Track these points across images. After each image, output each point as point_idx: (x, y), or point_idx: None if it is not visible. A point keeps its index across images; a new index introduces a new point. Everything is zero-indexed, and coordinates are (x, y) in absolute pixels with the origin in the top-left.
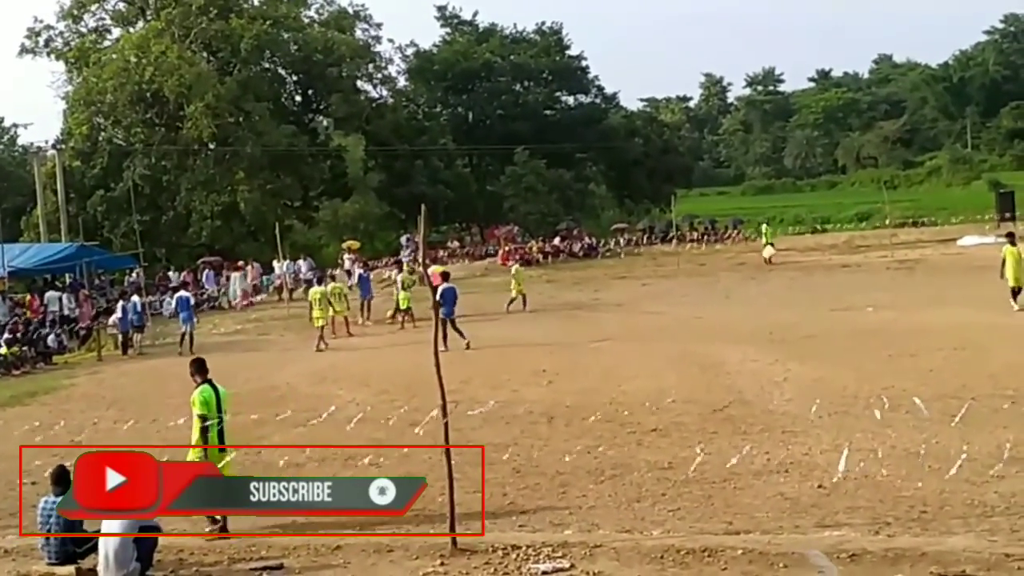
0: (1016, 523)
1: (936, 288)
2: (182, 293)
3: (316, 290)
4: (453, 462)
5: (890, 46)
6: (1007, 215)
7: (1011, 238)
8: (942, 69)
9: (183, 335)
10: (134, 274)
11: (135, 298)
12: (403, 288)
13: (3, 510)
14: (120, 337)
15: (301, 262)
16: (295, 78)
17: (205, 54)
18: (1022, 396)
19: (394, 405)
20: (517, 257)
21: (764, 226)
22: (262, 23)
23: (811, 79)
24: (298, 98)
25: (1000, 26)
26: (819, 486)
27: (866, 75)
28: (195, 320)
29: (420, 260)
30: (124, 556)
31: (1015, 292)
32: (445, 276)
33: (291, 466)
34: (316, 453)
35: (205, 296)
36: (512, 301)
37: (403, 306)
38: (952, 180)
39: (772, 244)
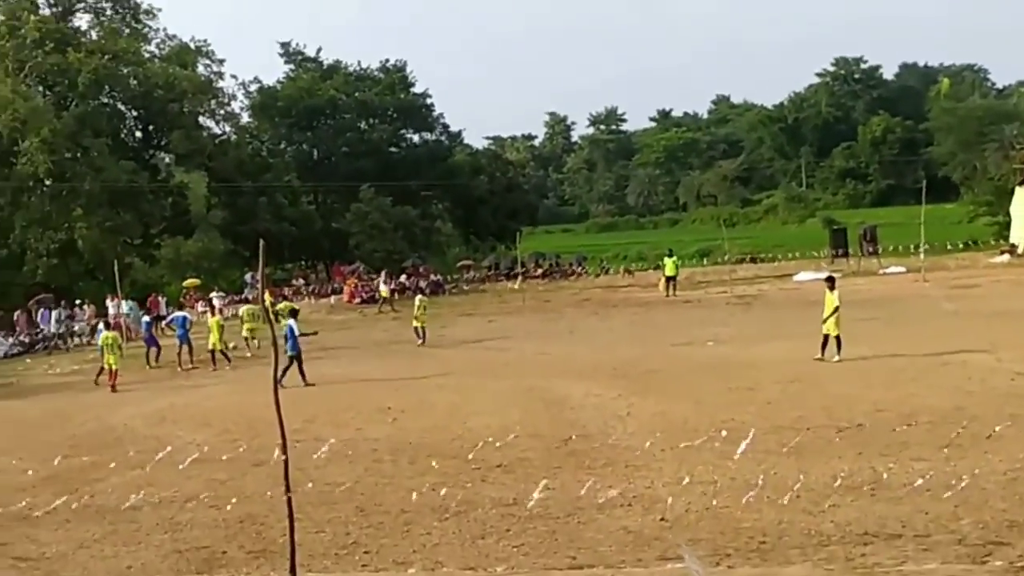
0: (851, 551)
1: (773, 323)
2: None
3: (106, 334)
4: (294, 502)
5: (728, 87)
6: (840, 251)
7: (830, 282)
8: (777, 110)
9: None
10: None
11: None
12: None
13: None
14: None
15: (109, 303)
16: (135, 113)
17: (41, 88)
18: (854, 427)
19: (235, 445)
20: (424, 288)
21: (667, 258)
22: (100, 57)
23: (652, 119)
24: (138, 134)
25: (831, 69)
26: (661, 519)
27: (705, 115)
28: None
29: (261, 297)
30: None
31: (824, 340)
32: (293, 313)
33: (129, 509)
34: (153, 495)
35: (40, 336)
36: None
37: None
38: (788, 218)
39: (670, 277)
